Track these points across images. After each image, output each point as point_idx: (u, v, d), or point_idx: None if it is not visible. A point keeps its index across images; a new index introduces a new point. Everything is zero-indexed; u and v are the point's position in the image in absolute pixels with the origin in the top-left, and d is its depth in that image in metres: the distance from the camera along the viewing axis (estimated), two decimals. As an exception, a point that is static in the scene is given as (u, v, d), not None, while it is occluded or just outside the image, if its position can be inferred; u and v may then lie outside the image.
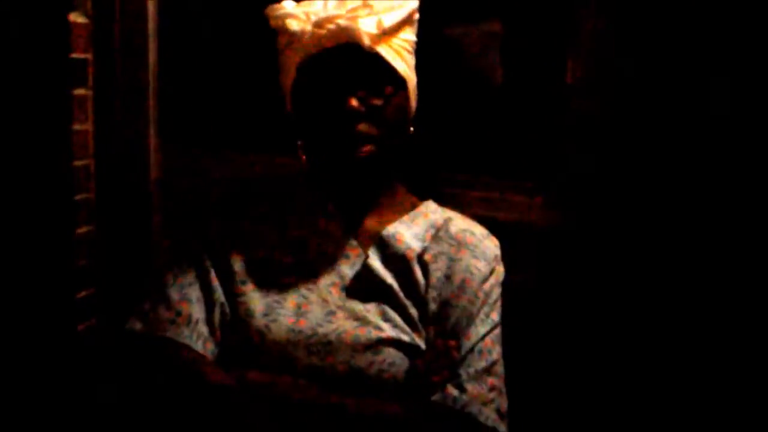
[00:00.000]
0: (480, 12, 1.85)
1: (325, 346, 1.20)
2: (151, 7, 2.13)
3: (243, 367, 1.20)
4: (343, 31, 1.20)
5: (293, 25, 1.23)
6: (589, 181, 1.91)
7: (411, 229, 1.30)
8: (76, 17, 2.06)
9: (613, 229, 1.90)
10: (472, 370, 1.22)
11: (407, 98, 1.26)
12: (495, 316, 1.27)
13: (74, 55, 2.06)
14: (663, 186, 1.87)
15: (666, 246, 1.87)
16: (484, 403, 1.20)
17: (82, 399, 2.07)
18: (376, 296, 1.24)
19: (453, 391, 1.20)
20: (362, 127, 1.21)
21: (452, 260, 1.27)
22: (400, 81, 1.24)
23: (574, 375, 1.90)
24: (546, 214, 1.95)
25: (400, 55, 1.23)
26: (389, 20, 1.21)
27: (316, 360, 1.20)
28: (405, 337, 1.22)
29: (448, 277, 1.26)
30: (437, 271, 1.26)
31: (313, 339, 1.20)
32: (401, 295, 1.24)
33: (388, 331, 1.21)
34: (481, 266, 1.27)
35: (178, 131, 2.22)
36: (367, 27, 1.20)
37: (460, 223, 1.33)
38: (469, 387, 1.20)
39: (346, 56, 1.21)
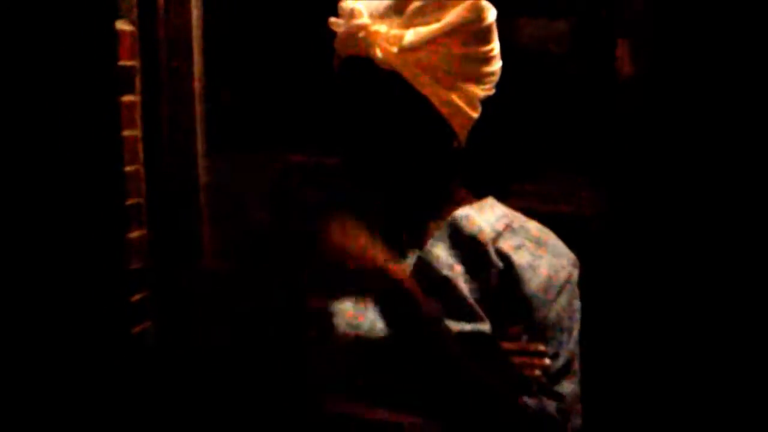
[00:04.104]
0: (536, 7, 1.84)
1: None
2: (196, 13, 2.16)
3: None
4: (359, 42, 1.17)
5: (334, 24, 1.22)
6: (643, 173, 1.90)
7: (481, 216, 1.28)
8: (122, 25, 2.09)
9: (666, 222, 1.88)
10: (567, 394, 1.20)
11: (437, 120, 1.21)
12: (577, 330, 1.25)
13: (121, 63, 2.09)
14: (718, 178, 1.85)
15: (723, 238, 1.85)
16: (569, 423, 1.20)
17: (137, 400, 2.10)
18: (433, 291, 1.22)
19: (553, 412, 1.18)
20: (365, 147, 1.20)
21: (534, 255, 1.24)
22: (426, 102, 1.19)
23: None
24: (598, 205, 1.94)
25: (435, 74, 1.17)
26: (413, 36, 1.16)
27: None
28: (467, 327, 1.20)
29: (533, 268, 1.23)
30: (521, 259, 1.23)
31: (373, 333, 1.20)
32: (460, 285, 1.21)
33: (451, 324, 1.19)
34: (565, 264, 1.25)
35: (226, 134, 2.24)
36: (386, 42, 1.16)
37: (533, 223, 1.31)
38: (568, 410, 1.19)
39: (364, 68, 1.18)
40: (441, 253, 1.24)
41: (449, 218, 1.26)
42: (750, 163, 1.83)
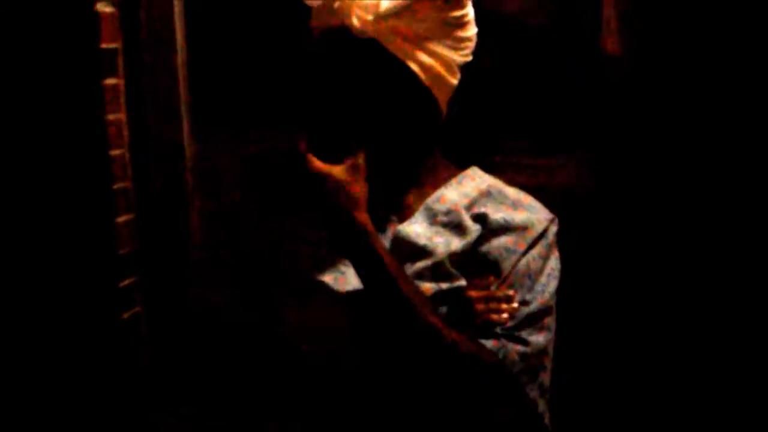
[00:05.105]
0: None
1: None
2: (177, -7, 2.13)
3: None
4: (335, 13, 1.17)
5: None
6: (633, 146, 1.88)
7: (457, 190, 1.28)
8: (102, 7, 2.06)
9: (656, 194, 1.87)
10: (534, 343, 1.18)
11: (418, 87, 1.20)
12: (553, 286, 1.23)
13: (103, 45, 2.06)
14: (704, 153, 1.84)
15: (714, 212, 1.84)
16: (534, 375, 1.18)
17: (127, 386, 2.10)
18: (410, 260, 1.22)
19: (515, 356, 1.16)
20: (346, 120, 1.19)
21: (510, 214, 1.24)
22: (406, 69, 1.19)
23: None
24: (587, 178, 1.93)
25: (412, 40, 1.18)
26: (389, 3, 1.16)
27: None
28: (443, 285, 1.20)
29: (507, 222, 1.22)
30: (496, 215, 1.23)
31: (351, 298, 1.20)
32: (437, 251, 1.21)
33: (427, 285, 1.19)
34: (541, 219, 1.24)
35: (211, 115, 2.22)
36: (362, 10, 1.16)
37: (512, 188, 1.30)
38: (533, 360, 1.18)
39: (341, 39, 1.18)
40: (419, 229, 1.24)
41: (424, 203, 1.26)
42: (741, 133, 1.82)
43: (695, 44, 1.82)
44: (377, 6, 1.16)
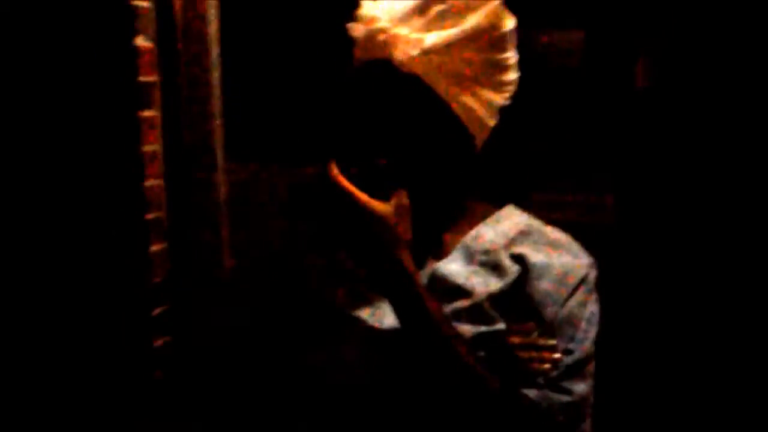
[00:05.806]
0: (559, 19, 1.85)
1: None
2: (213, 28, 2.18)
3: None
4: (379, 45, 1.17)
5: (352, 29, 1.22)
6: (661, 184, 1.88)
7: (494, 229, 1.27)
8: (141, 41, 2.11)
9: (684, 231, 1.87)
10: (577, 393, 1.16)
11: (456, 126, 1.20)
12: (593, 332, 1.21)
13: (141, 79, 2.11)
14: (727, 187, 1.84)
15: (742, 250, 1.83)
16: (576, 425, 1.17)
17: (158, 413, 2.11)
18: (448, 300, 1.20)
19: (558, 407, 1.13)
20: (384, 153, 1.18)
21: (549, 255, 1.22)
22: (446, 107, 1.19)
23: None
24: (617, 215, 1.93)
25: (455, 80, 1.18)
26: (434, 39, 1.16)
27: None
28: (482, 329, 1.18)
29: (547, 266, 1.20)
30: (536, 258, 1.21)
31: (389, 335, 1.19)
32: (475, 291, 1.20)
33: (466, 327, 1.17)
34: (581, 264, 1.23)
35: (244, 148, 2.26)
36: (406, 45, 1.16)
37: (550, 227, 1.29)
38: (575, 409, 1.15)
39: (384, 72, 1.18)
40: (456, 268, 1.23)
41: (461, 242, 1.25)
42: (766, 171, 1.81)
43: (730, 78, 1.82)
44: (422, 41, 1.16)
